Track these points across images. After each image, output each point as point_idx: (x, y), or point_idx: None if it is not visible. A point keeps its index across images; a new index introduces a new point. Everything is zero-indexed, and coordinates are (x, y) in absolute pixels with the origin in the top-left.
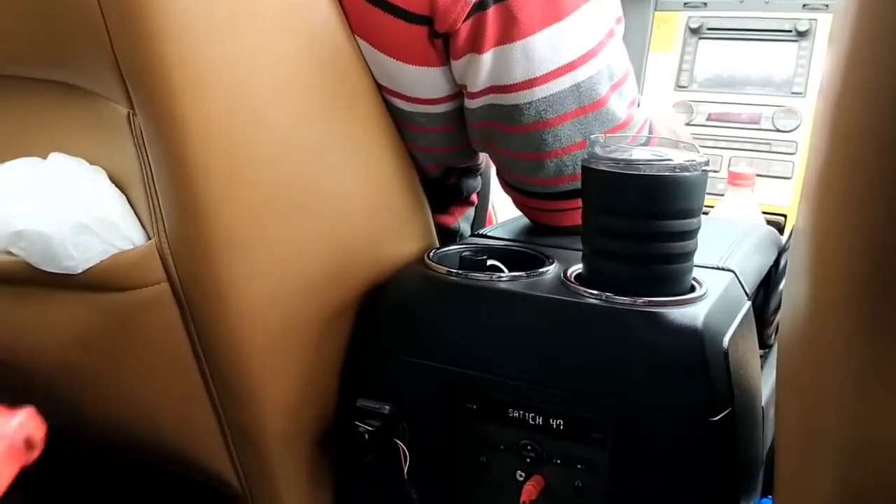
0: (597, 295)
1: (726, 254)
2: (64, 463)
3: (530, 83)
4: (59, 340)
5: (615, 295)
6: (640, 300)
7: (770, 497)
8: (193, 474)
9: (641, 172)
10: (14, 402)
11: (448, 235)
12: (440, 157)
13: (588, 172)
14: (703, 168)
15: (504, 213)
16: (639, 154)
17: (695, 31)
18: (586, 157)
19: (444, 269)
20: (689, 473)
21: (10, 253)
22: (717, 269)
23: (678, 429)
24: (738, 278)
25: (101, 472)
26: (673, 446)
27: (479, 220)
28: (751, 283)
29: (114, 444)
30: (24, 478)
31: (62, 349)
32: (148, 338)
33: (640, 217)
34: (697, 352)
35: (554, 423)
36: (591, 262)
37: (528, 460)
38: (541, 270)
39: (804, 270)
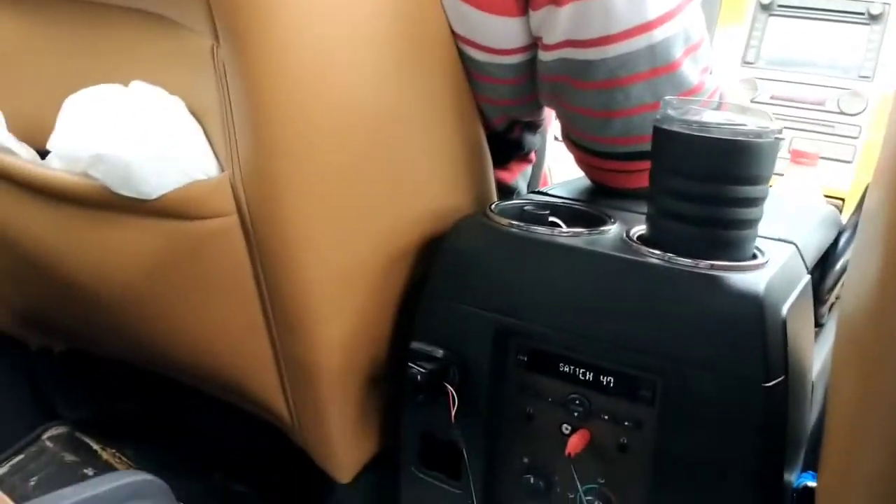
0: (659, 255)
1: (789, 227)
2: (122, 386)
3: (606, 40)
4: (128, 265)
5: (677, 256)
6: (703, 263)
7: (812, 472)
8: (246, 404)
9: (715, 135)
10: (80, 323)
11: (505, 192)
12: (508, 110)
13: (660, 133)
14: (777, 136)
15: (559, 176)
16: (712, 117)
17: (765, 8)
18: (659, 117)
19: (505, 221)
20: (737, 438)
21: (88, 176)
22: (780, 240)
23: (730, 392)
24: (799, 251)
25: (156, 396)
26: (723, 409)
27: (535, 178)
28: (811, 257)
29: (172, 370)
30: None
31: (130, 274)
32: (213, 268)
33: (711, 180)
34: (756, 317)
35: (604, 379)
36: (656, 223)
37: (576, 414)
38: (602, 228)
39: (877, 242)
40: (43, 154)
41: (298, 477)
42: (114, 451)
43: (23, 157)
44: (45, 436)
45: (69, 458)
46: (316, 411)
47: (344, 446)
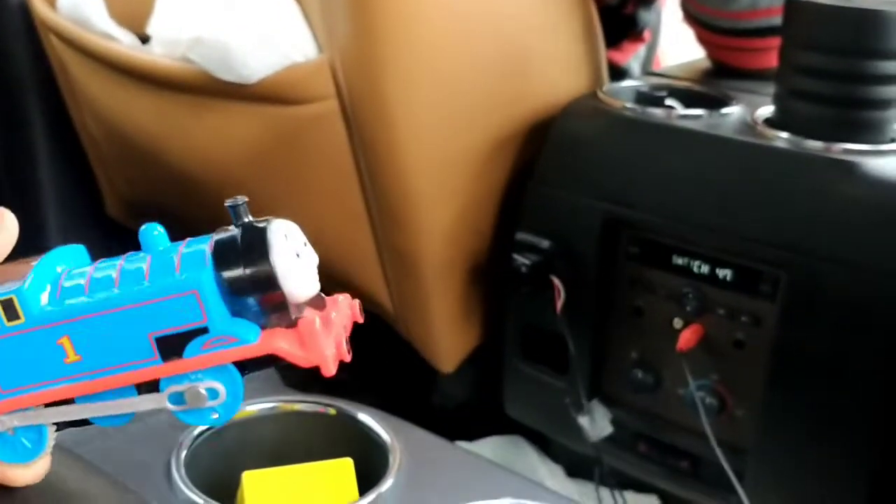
0: (787, 139)
1: None
2: None
3: None
4: (229, 151)
5: (808, 140)
6: (837, 146)
7: None
8: (349, 294)
9: (856, 6)
10: (183, 211)
11: (618, 74)
12: None
13: (793, 5)
14: None
15: (674, 58)
16: None
17: None
18: None
19: (619, 103)
20: (867, 336)
21: (187, 60)
22: None
23: (862, 287)
24: None
25: None
26: (855, 306)
27: (649, 60)
28: None
29: None
30: None
31: (231, 160)
32: (313, 155)
33: (849, 55)
34: (894, 206)
35: (720, 272)
36: (785, 104)
37: (689, 308)
38: (724, 111)
39: None
40: (144, 39)
41: (402, 368)
42: None
43: (124, 42)
44: None
45: None
46: (418, 302)
47: (446, 337)
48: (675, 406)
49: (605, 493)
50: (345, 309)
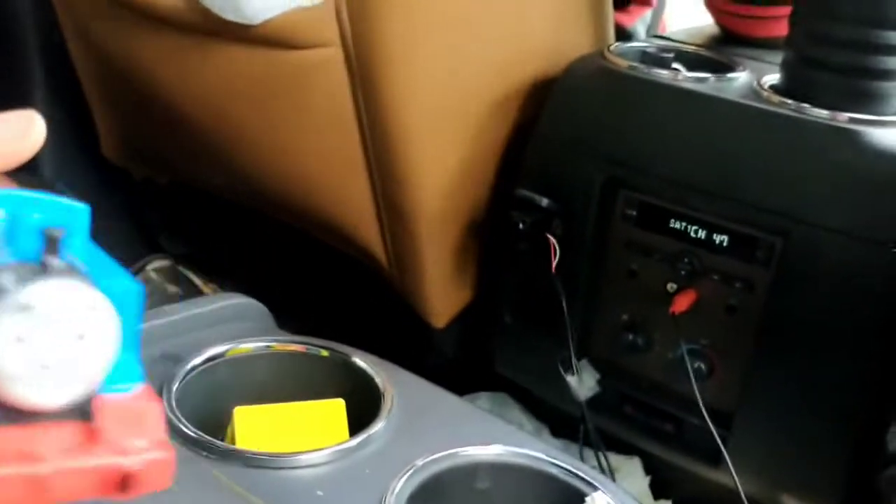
0: (793, 105)
1: None
2: (223, 223)
3: None
4: (230, 94)
5: (814, 107)
6: (842, 116)
7: None
8: (345, 247)
9: None
10: (182, 153)
11: (623, 37)
12: None
13: None
14: None
15: (679, 24)
16: None
17: None
18: None
19: (625, 62)
20: (861, 304)
21: None
22: None
23: (859, 256)
24: None
25: (257, 236)
26: (850, 275)
27: (655, 24)
28: None
29: (272, 207)
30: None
31: (232, 103)
32: (315, 102)
33: (860, 23)
34: None
35: (717, 237)
36: (792, 71)
37: (683, 273)
38: (730, 75)
39: None
40: None
41: (394, 322)
42: (214, 286)
43: None
44: (149, 267)
45: (172, 289)
46: (413, 257)
47: (440, 292)
48: (662, 369)
49: (588, 453)
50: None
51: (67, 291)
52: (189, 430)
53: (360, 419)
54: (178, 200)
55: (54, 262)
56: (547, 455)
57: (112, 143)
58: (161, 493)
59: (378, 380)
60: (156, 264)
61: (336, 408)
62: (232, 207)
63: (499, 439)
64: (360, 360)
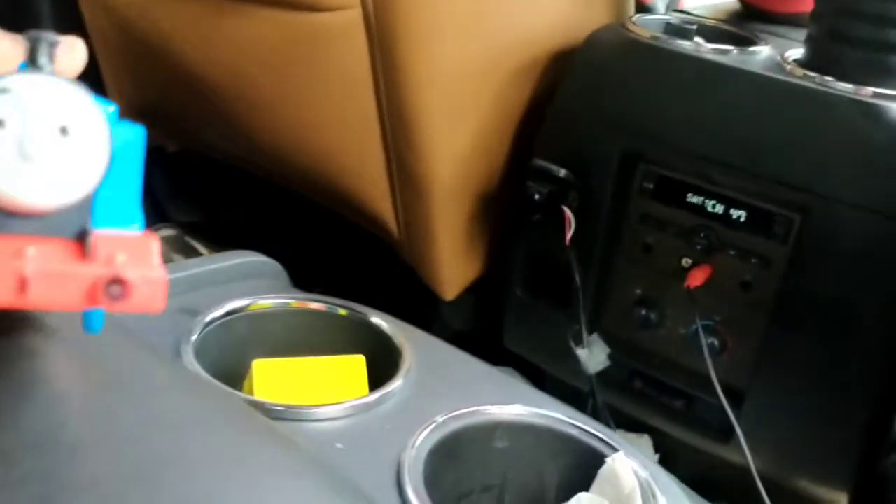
0: (817, 79)
1: None
2: (232, 193)
3: None
4: (246, 56)
5: (838, 81)
6: (866, 90)
7: None
8: (356, 216)
9: None
10: (195, 119)
11: (643, 11)
12: None
13: None
14: None
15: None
16: None
17: None
18: None
19: (648, 32)
20: (878, 281)
21: None
22: None
23: (879, 232)
24: None
25: (266, 206)
26: (868, 250)
27: (674, 1)
28: None
29: (284, 175)
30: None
31: (248, 66)
32: (332, 65)
33: None
34: None
35: (734, 212)
36: (817, 45)
37: (699, 248)
38: (753, 49)
39: None
40: None
41: (403, 294)
42: None
43: None
44: None
45: (179, 259)
46: (425, 227)
47: (450, 264)
48: (674, 345)
49: None
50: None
51: (50, 84)
52: (214, 382)
53: (379, 378)
54: (186, 168)
55: (44, 62)
56: (567, 416)
57: (120, 102)
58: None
59: (397, 339)
60: (163, 233)
61: (356, 363)
62: (240, 176)
63: (519, 399)
64: (379, 320)
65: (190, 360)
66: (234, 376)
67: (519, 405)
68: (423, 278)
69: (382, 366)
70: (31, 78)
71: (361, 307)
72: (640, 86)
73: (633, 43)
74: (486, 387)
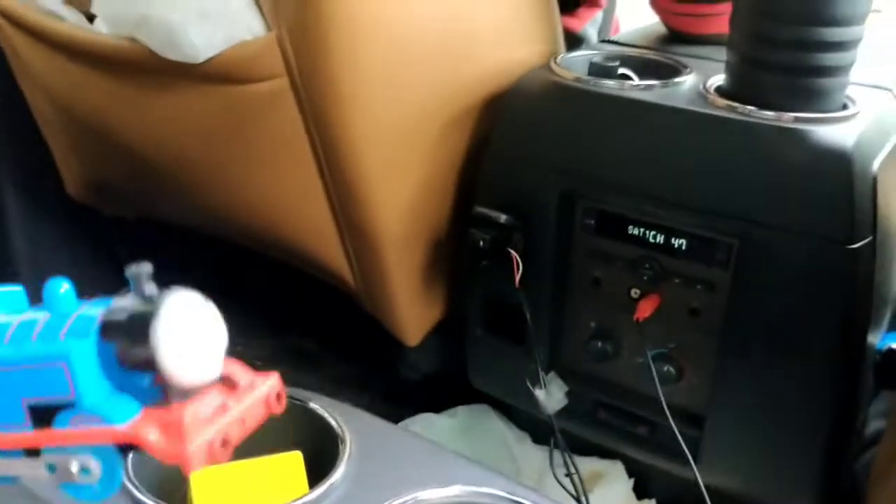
0: (739, 108)
1: (886, 71)
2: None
3: None
4: (182, 131)
5: (759, 109)
6: (787, 115)
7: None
8: (314, 270)
9: None
10: (144, 191)
11: (573, 42)
12: None
13: None
14: None
15: (630, 24)
16: None
17: None
18: None
19: (571, 74)
20: (817, 301)
21: (135, 40)
22: (875, 87)
23: (813, 254)
24: None
25: (229, 264)
26: (804, 272)
27: (606, 26)
28: None
29: (238, 237)
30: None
31: (186, 140)
32: (267, 132)
33: (797, 22)
34: (844, 175)
35: (676, 241)
36: (737, 73)
37: (645, 278)
38: (677, 80)
39: None
40: (90, 18)
41: (368, 339)
42: None
43: (70, 21)
44: None
45: None
46: (380, 277)
47: (410, 312)
48: (633, 374)
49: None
50: (252, 399)
51: (184, 296)
52: (149, 500)
53: (320, 463)
54: (147, 235)
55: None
56: (506, 492)
57: (73, 181)
58: None
59: (335, 424)
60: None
61: (293, 460)
62: (203, 239)
63: (459, 478)
64: (317, 406)
65: (129, 478)
66: (176, 487)
67: (458, 486)
68: (385, 326)
69: (322, 451)
70: (177, 297)
71: (300, 392)
72: (568, 128)
73: (557, 87)
74: (425, 468)
